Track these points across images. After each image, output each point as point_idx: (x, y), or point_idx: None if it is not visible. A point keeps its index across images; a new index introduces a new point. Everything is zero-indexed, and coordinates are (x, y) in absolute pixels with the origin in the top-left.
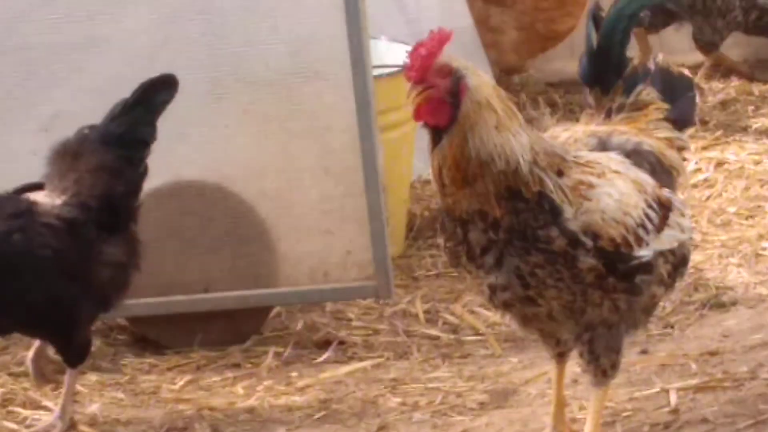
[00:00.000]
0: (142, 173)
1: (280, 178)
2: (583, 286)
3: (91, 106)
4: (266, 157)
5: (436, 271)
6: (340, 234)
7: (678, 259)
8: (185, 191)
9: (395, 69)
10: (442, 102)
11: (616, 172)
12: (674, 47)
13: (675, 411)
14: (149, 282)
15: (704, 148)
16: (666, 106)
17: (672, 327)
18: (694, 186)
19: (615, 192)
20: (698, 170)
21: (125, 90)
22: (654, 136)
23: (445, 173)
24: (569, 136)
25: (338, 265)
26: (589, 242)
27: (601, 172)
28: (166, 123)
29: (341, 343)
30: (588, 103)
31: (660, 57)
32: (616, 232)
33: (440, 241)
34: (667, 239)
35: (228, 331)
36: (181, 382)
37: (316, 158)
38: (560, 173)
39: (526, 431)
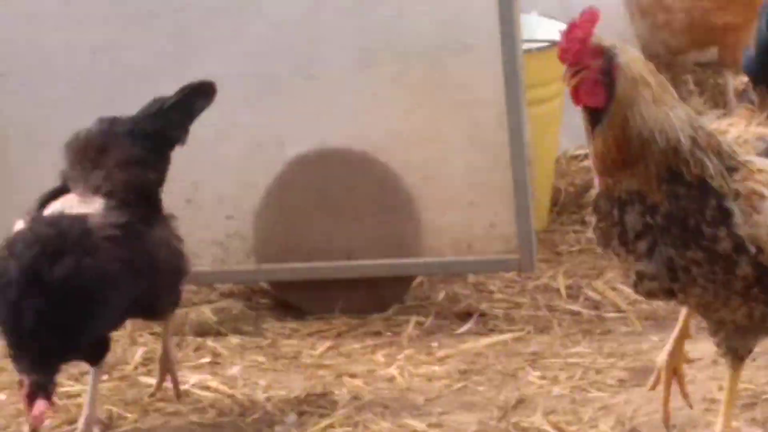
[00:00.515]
0: (168, 163)
1: (426, 149)
2: (729, 291)
3: (239, 71)
4: (413, 128)
5: (579, 246)
6: (485, 206)
7: None
8: (331, 158)
9: (545, 44)
10: (596, 82)
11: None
12: None
13: None
14: (293, 247)
15: None
16: None
17: None
18: None
19: None
20: None
21: (274, 56)
22: None
23: (606, 154)
24: (738, 135)
25: (481, 238)
26: (752, 251)
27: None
28: (314, 90)
29: (482, 315)
30: (750, 98)
31: None
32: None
33: (592, 220)
34: None
35: (370, 299)
36: (322, 348)
37: (463, 130)
38: (731, 171)
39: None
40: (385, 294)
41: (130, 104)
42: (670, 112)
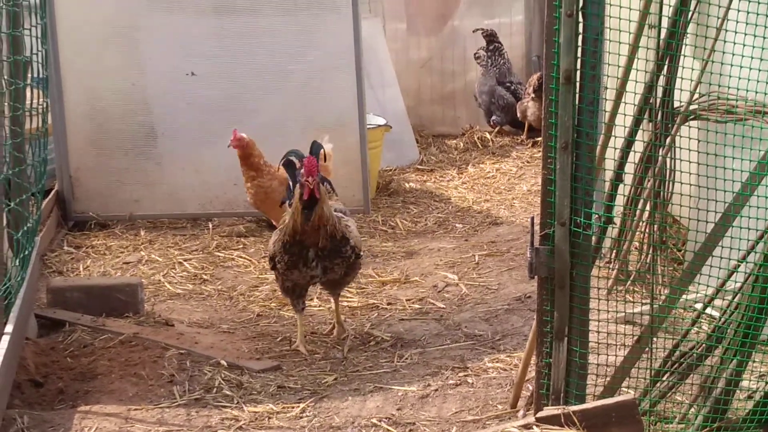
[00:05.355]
0: None
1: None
2: (344, 268)
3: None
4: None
5: (386, 205)
6: (351, 188)
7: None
8: None
9: (373, 126)
10: (316, 188)
11: (348, 224)
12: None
13: None
14: None
15: (492, 163)
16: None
17: None
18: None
19: (354, 229)
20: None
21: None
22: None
23: (314, 224)
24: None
25: (350, 199)
26: (355, 250)
27: (347, 223)
28: None
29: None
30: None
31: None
32: (359, 245)
33: (281, 258)
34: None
35: None
36: None
37: (344, 154)
38: (347, 228)
39: None
40: None
41: None
42: (330, 209)
